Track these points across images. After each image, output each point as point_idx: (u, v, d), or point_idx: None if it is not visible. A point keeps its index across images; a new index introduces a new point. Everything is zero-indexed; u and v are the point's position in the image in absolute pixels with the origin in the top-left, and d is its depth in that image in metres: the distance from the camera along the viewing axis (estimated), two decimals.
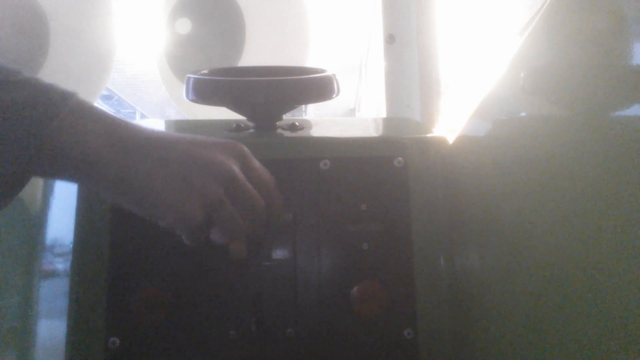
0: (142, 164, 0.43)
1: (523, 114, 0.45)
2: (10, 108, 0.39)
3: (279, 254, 0.60)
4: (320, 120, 0.78)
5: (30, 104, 0.40)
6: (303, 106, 3.48)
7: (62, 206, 0.63)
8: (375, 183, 0.61)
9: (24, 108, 0.39)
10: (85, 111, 0.42)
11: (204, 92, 0.65)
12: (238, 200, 0.47)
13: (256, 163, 0.50)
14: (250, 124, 0.70)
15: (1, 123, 0.38)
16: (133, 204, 0.44)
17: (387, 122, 0.89)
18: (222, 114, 0.70)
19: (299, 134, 0.68)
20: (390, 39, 1.09)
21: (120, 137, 0.43)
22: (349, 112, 7.02)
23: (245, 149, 0.49)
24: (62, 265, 0.61)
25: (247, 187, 0.48)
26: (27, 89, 0.40)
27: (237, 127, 0.69)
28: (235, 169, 0.47)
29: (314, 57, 2.14)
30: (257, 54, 2.04)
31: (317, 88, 0.66)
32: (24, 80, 0.41)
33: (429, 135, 0.66)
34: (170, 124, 0.86)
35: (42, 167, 0.41)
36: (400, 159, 0.62)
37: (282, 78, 0.65)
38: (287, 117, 0.73)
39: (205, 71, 0.71)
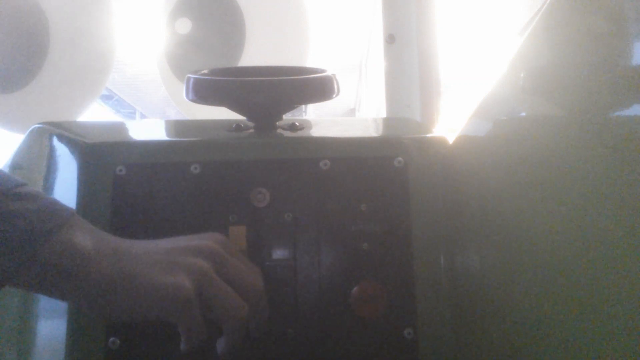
0: (125, 261, 0.45)
1: (523, 114, 0.45)
2: (9, 219, 0.40)
3: (278, 254, 0.60)
4: (320, 120, 0.78)
5: (32, 217, 0.41)
6: (303, 106, 3.48)
7: None
8: (375, 183, 0.61)
9: (25, 220, 0.41)
10: (79, 226, 0.45)
11: (204, 92, 0.65)
12: (226, 274, 0.48)
13: (234, 265, 0.49)
14: (250, 124, 0.70)
15: None
16: (124, 302, 0.44)
17: (387, 122, 0.89)
18: (222, 114, 0.70)
19: (299, 134, 0.68)
20: (390, 39, 1.09)
21: (107, 243, 0.45)
22: (349, 112, 7.03)
23: (222, 251, 0.49)
24: None
25: (234, 261, 0.49)
26: (30, 203, 0.42)
27: (237, 127, 0.69)
28: (218, 246, 0.48)
29: (314, 57, 2.14)
30: (257, 54, 2.04)
31: (317, 88, 0.66)
32: (28, 194, 0.43)
33: (429, 135, 0.66)
34: (170, 124, 0.86)
35: (28, 277, 0.41)
36: (400, 159, 0.62)
37: (282, 78, 0.65)
38: (287, 117, 0.73)
39: (205, 71, 0.71)
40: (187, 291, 0.44)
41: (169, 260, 0.46)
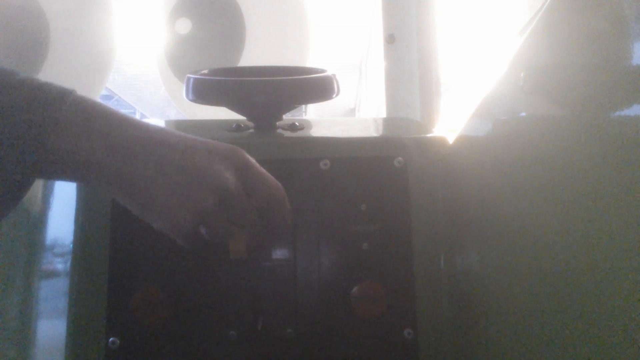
0: (139, 168, 0.43)
1: (523, 114, 0.45)
2: (8, 111, 0.39)
3: (279, 254, 0.60)
4: (320, 120, 0.78)
5: (28, 106, 0.39)
6: (303, 106, 3.48)
7: (62, 206, 0.63)
8: (375, 183, 0.61)
9: (23, 111, 0.39)
10: (84, 110, 0.42)
11: (204, 92, 0.65)
12: (231, 213, 0.47)
13: (257, 172, 0.49)
14: (250, 124, 0.70)
15: (1, 128, 0.38)
16: (129, 204, 0.45)
17: (387, 122, 0.89)
18: (222, 114, 0.70)
19: (299, 134, 0.68)
20: (390, 39, 1.09)
21: (119, 138, 0.43)
22: (349, 112, 7.03)
23: (246, 156, 0.49)
24: (62, 265, 0.61)
25: (241, 200, 0.48)
26: (24, 90, 0.40)
27: (237, 127, 0.69)
28: (231, 182, 0.47)
29: (314, 57, 2.14)
30: (257, 54, 2.04)
31: (317, 88, 0.66)
32: (20, 81, 0.40)
33: (429, 135, 0.66)
34: (170, 124, 0.86)
35: (44, 170, 0.41)
36: (400, 159, 0.62)
37: (282, 78, 0.65)
38: (287, 117, 0.73)
39: (205, 71, 0.71)
40: (188, 229, 0.45)
41: (179, 185, 0.45)
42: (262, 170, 0.50)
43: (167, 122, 0.82)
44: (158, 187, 0.44)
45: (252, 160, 0.49)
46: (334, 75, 0.68)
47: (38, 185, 0.64)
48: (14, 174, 0.39)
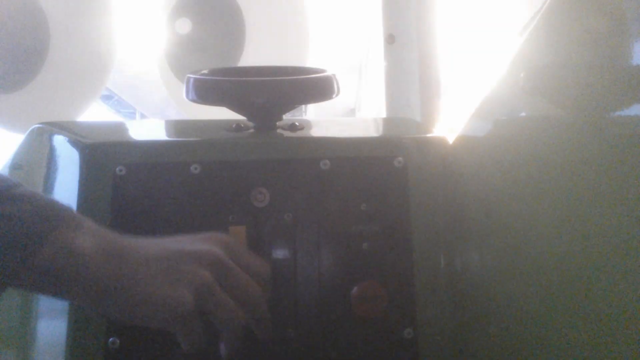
0: (126, 266, 0.44)
1: (523, 114, 0.45)
2: (3, 222, 0.39)
3: (278, 254, 0.60)
4: (320, 120, 0.78)
5: (27, 219, 0.40)
6: (303, 106, 3.47)
7: None
8: (375, 183, 0.61)
9: (20, 223, 0.40)
10: (79, 226, 0.43)
11: (204, 92, 0.65)
12: (228, 284, 0.47)
13: (233, 271, 0.48)
14: (250, 124, 0.70)
15: None
16: (123, 308, 0.44)
17: (387, 122, 0.89)
18: (222, 114, 0.70)
19: (299, 134, 0.68)
20: (390, 39, 1.09)
21: (108, 243, 0.44)
22: (349, 112, 7.01)
23: (222, 256, 0.48)
24: None
25: (237, 271, 0.47)
26: (26, 204, 0.41)
27: (237, 127, 0.69)
28: (222, 253, 0.47)
29: (314, 57, 2.14)
30: (257, 54, 2.04)
31: (317, 88, 0.66)
32: (23, 195, 0.41)
33: (429, 135, 0.66)
34: (170, 124, 0.86)
35: (26, 279, 0.41)
36: (400, 159, 0.62)
37: (282, 78, 0.65)
38: (287, 117, 0.73)
39: (205, 71, 0.71)
40: (188, 305, 0.44)
41: (172, 268, 0.45)
42: (239, 270, 0.48)
43: (167, 122, 0.82)
44: (148, 276, 0.44)
45: (229, 261, 0.48)
46: (334, 75, 0.68)
47: (38, 185, 0.64)
48: None
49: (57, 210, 0.43)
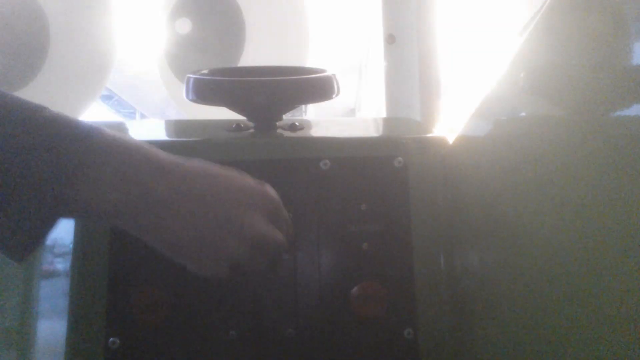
0: (170, 221, 0.43)
1: (523, 114, 0.45)
2: (29, 154, 0.37)
3: None
4: (320, 120, 0.78)
5: (53, 150, 0.38)
6: (303, 106, 3.48)
7: None
8: (375, 183, 0.61)
9: (45, 153, 0.37)
10: (110, 153, 0.40)
11: (204, 92, 0.65)
12: (264, 252, 0.48)
13: (284, 213, 0.51)
14: (250, 124, 0.70)
15: (21, 171, 0.36)
16: (160, 249, 0.44)
17: (387, 122, 0.89)
18: (222, 114, 0.70)
19: (299, 134, 0.68)
20: (390, 39, 1.09)
21: (142, 191, 0.41)
22: (349, 112, 7.01)
23: (276, 199, 0.49)
24: (62, 265, 0.61)
25: (272, 242, 0.48)
26: (51, 129, 0.38)
27: (237, 127, 0.69)
28: (263, 228, 0.47)
29: (314, 57, 2.14)
30: (257, 54, 2.04)
31: (317, 88, 0.66)
32: (47, 119, 0.39)
33: (429, 135, 0.66)
34: (170, 124, 0.86)
35: (66, 215, 0.40)
36: (400, 159, 0.62)
37: (282, 78, 0.65)
38: (287, 117, 0.73)
39: (205, 71, 0.71)
40: (222, 276, 0.46)
41: (212, 238, 0.45)
42: (285, 213, 0.51)
43: (167, 122, 0.82)
44: (190, 240, 0.44)
45: (278, 200, 0.50)
46: (334, 75, 0.68)
47: None
48: (32, 219, 0.37)
49: (85, 132, 0.40)
